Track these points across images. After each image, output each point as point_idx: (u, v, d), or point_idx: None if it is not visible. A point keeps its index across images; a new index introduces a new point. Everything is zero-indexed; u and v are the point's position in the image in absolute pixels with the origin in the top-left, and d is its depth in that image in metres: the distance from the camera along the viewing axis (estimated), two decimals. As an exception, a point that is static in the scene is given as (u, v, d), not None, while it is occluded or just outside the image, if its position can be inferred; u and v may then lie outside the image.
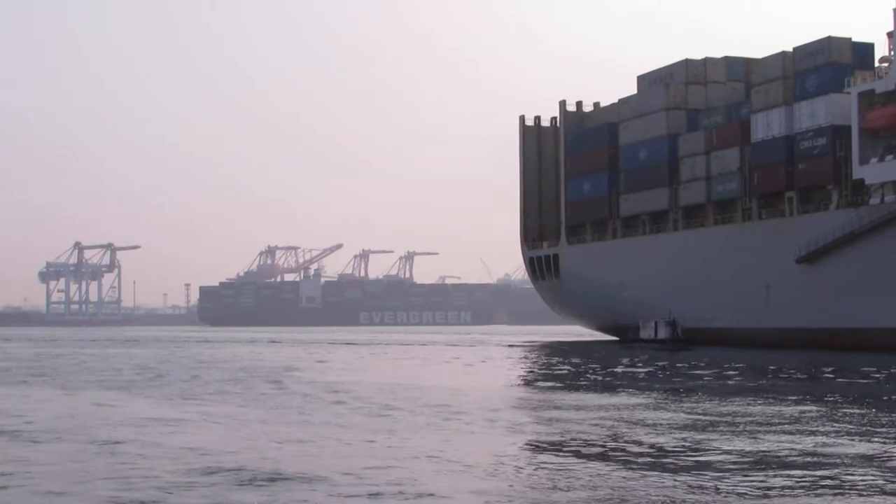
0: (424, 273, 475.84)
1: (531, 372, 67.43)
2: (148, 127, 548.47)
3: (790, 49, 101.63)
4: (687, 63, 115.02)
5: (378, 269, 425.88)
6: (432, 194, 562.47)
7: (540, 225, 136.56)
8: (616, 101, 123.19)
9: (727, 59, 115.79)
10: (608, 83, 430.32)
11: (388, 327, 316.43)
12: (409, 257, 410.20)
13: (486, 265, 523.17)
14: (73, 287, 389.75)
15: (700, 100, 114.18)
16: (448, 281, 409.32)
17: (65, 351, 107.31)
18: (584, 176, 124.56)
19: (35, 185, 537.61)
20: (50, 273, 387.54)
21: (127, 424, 33.94)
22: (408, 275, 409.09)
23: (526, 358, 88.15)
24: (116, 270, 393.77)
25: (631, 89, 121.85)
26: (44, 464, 25.47)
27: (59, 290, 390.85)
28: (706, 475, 22.61)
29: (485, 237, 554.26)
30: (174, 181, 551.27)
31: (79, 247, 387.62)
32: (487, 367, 73.77)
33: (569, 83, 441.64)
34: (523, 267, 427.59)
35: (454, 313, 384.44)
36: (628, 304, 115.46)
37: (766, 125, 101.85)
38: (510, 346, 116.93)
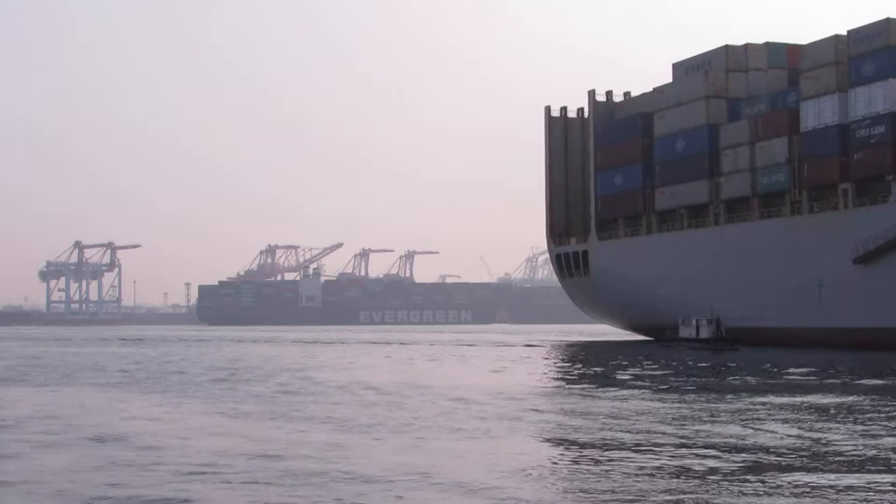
0: (424, 272, 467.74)
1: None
2: (148, 126, 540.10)
3: (842, 32, 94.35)
4: (727, 49, 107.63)
5: (378, 268, 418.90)
6: (432, 193, 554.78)
7: (567, 220, 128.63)
8: (650, 89, 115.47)
9: (769, 44, 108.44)
10: (614, 76, 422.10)
11: (391, 326, 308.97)
12: (409, 256, 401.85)
13: (487, 264, 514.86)
14: (74, 286, 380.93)
15: (741, 88, 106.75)
16: (448, 280, 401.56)
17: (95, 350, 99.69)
18: (616, 168, 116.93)
19: (35, 184, 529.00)
20: (50, 272, 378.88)
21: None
22: (408, 274, 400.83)
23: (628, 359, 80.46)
24: (117, 269, 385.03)
25: (654, 80, 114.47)
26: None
27: (59, 290, 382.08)
28: None
29: (485, 236, 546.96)
30: (174, 180, 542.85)
31: (79, 246, 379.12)
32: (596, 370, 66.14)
33: (575, 79, 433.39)
34: (523, 266, 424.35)
35: (455, 312, 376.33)
36: (665, 301, 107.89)
37: (818, 113, 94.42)
38: (569, 345, 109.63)
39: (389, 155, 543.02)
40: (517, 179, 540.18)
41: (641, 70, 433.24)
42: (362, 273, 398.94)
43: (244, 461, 25.17)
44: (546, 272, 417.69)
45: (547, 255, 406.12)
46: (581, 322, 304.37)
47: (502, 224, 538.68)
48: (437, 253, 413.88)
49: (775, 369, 60.66)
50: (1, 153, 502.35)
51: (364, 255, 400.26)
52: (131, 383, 54.06)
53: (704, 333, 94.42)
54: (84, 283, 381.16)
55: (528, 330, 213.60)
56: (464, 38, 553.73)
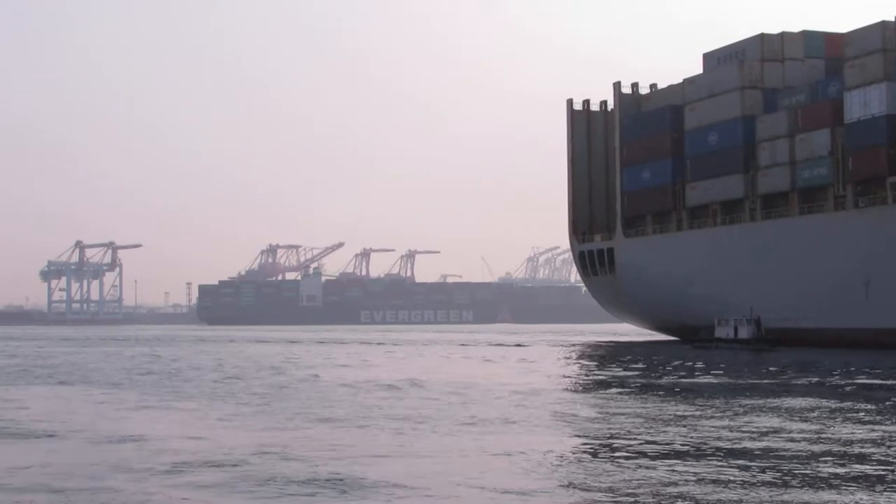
0: (425, 272, 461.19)
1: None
2: (149, 125, 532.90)
3: (889, 19, 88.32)
4: (762, 38, 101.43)
5: (379, 267, 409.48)
6: (433, 193, 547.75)
7: (590, 217, 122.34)
8: (680, 80, 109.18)
9: (805, 33, 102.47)
10: (615, 75, 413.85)
11: (392, 326, 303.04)
12: (410, 256, 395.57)
13: (488, 264, 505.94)
14: (75, 286, 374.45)
15: (777, 78, 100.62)
16: (449, 280, 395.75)
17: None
18: (644, 163, 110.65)
19: (36, 183, 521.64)
20: (51, 272, 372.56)
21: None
22: (409, 273, 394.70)
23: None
24: (118, 269, 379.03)
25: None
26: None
27: (60, 289, 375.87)
28: None
29: (486, 236, 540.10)
30: (175, 180, 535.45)
31: (80, 245, 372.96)
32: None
33: (577, 78, 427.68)
34: (524, 265, 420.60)
35: (456, 312, 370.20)
36: (696, 301, 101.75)
37: (864, 103, 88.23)
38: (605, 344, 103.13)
39: (390, 154, 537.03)
40: (518, 178, 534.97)
41: (641, 69, 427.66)
42: (363, 273, 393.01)
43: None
44: (547, 272, 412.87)
45: (548, 255, 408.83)
46: (581, 322, 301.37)
47: (503, 224, 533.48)
48: (438, 252, 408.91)
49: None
50: (1, 153, 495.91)
51: (365, 254, 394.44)
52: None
53: (743, 334, 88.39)
54: (85, 282, 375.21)
55: (535, 330, 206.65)
56: (464, 37, 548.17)
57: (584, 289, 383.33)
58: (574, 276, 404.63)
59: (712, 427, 30.17)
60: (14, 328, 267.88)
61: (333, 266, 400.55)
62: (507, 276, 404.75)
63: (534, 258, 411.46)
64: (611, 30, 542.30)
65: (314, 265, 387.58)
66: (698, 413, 34.36)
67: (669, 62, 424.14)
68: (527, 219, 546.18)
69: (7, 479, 22.33)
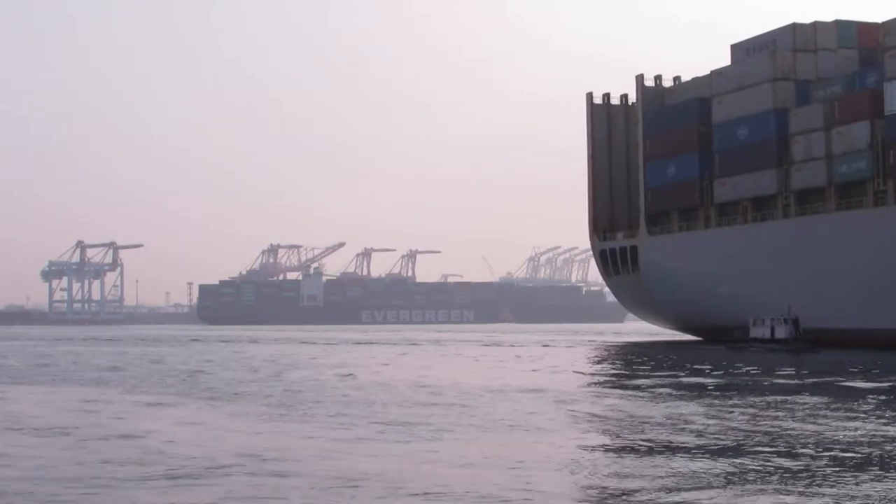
0: (426, 272, 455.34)
1: None
2: (150, 125, 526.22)
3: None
4: (794, 28, 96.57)
5: (380, 267, 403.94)
6: (434, 192, 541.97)
7: (611, 214, 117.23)
8: (708, 72, 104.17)
9: (838, 22, 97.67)
10: (616, 75, 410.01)
11: (393, 326, 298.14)
12: (411, 256, 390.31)
13: (489, 263, 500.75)
14: (76, 286, 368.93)
15: (809, 69, 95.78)
16: (450, 279, 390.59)
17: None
18: (669, 158, 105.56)
19: (37, 183, 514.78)
20: (52, 272, 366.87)
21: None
22: (410, 273, 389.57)
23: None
24: (119, 269, 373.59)
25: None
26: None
27: (61, 289, 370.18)
28: None
29: (487, 235, 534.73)
30: (177, 179, 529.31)
31: (81, 245, 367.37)
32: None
33: (578, 77, 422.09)
34: (525, 265, 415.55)
35: (457, 312, 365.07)
36: (725, 300, 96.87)
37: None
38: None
39: (391, 154, 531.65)
40: (519, 178, 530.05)
41: (643, 68, 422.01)
42: (364, 272, 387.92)
43: None
44: (548, 272, 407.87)
45: (549, 255, 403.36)
46: (581, 321, 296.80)
47: (504, 223, 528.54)
48: (439, 252, 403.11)
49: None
50: (2, 154, 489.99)
51: (366, 254, 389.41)
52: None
53: (781, 334, 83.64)
54: (86, 282, 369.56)
55: (541, 329, 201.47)
56: (465, 37, 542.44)
57: (585, 289, 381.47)
58: (575, 275, 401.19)
59: None
60: (15, 328, 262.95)
61: (334, 266, 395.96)
62: (508, 276, 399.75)
63: (535, 258, 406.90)
64: (612, 29, 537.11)
65: (315, 265, 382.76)
66: None
67: (670, 61, 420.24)
68: (527, 218, 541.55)
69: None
